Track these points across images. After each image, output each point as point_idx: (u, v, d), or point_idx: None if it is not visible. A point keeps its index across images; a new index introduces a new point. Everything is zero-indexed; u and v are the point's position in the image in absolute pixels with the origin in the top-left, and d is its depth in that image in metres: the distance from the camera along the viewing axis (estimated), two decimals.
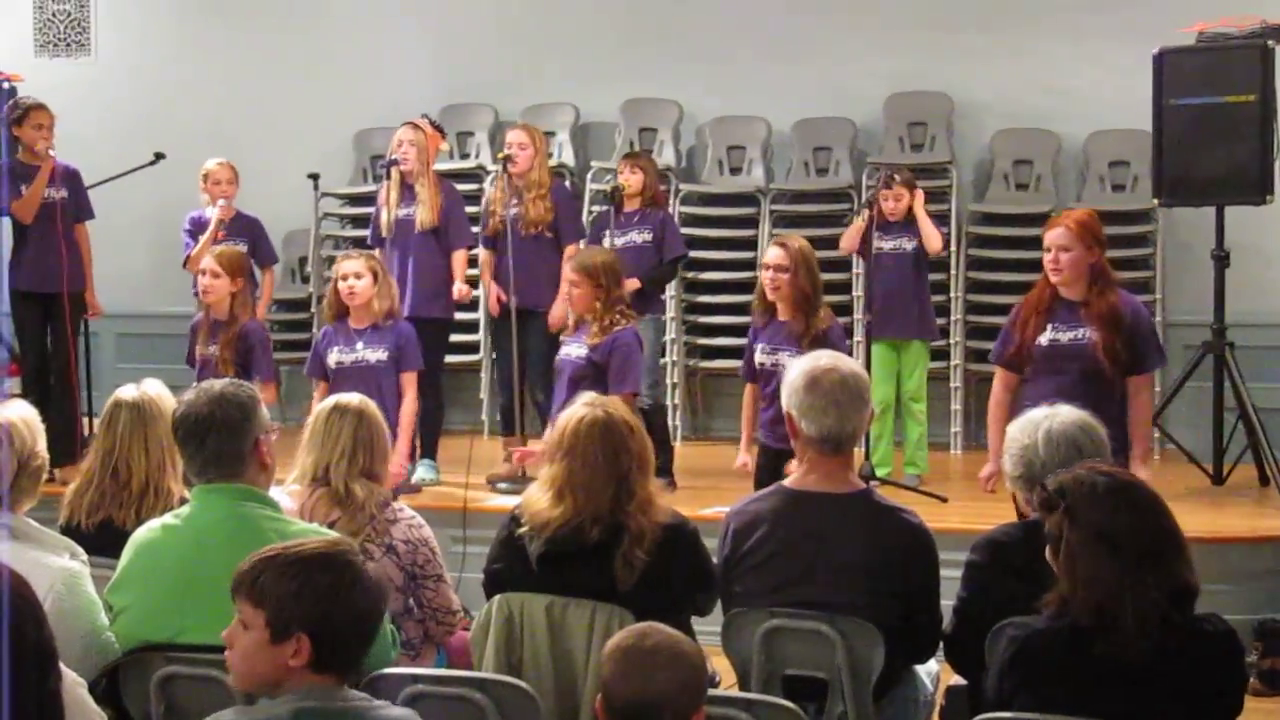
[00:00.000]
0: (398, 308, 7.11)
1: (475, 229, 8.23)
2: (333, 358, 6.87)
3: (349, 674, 3.04)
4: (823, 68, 9.63)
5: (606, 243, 7.82)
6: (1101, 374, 5.68)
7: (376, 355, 6.86)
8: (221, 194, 8.40)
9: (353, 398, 4.72)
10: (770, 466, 6.25)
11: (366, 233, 8.41)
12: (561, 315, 7.51)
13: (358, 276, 6.81)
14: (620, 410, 4.27)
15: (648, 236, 7.99)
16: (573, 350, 6.78)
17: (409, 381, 6.97)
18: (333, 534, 3.94)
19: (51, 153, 8.09)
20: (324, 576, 2.93)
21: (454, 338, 8.72)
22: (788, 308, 6.44)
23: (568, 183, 9.12)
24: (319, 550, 2.99)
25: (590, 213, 9.29)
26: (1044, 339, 5.79)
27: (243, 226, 8.53)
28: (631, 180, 7.97)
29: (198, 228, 8.40)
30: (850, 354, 5.76)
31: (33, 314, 8.29)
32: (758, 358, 6.53)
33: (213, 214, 8.35)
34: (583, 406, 4.25)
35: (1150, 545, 3.23)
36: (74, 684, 2.68)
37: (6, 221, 8.29)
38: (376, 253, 7.54)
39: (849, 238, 7.97)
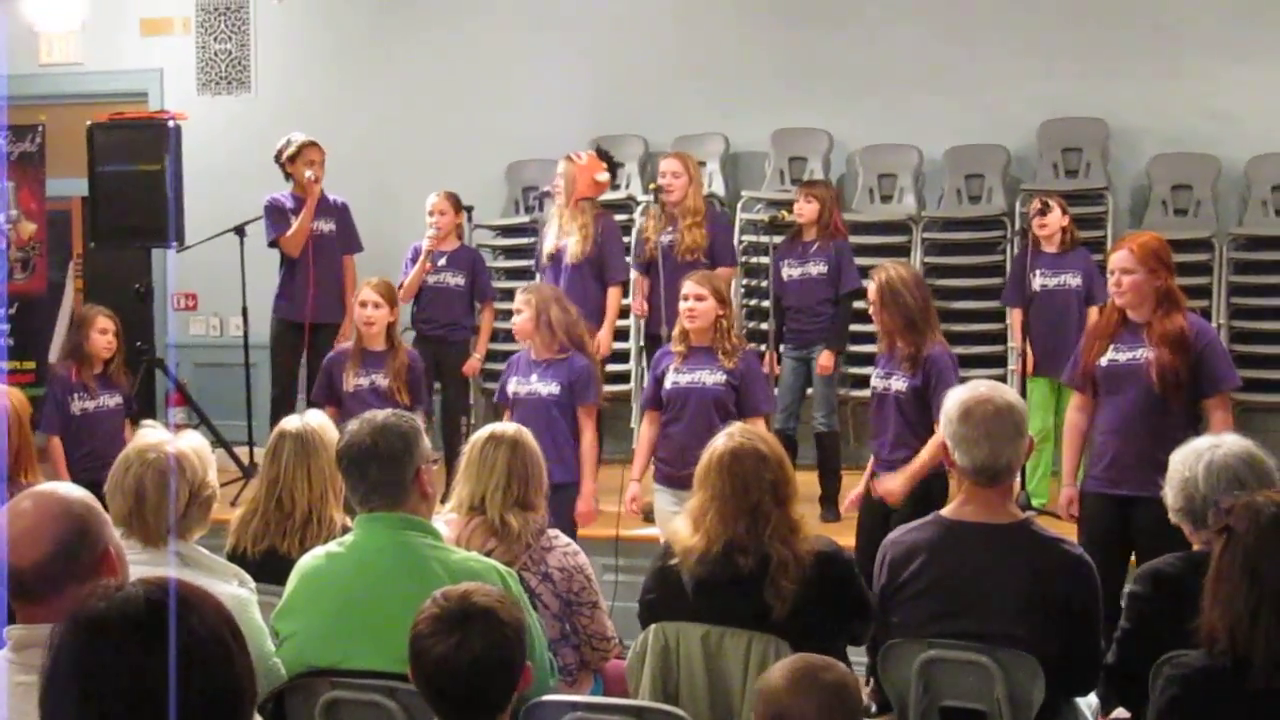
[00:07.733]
0: (580, 338, 6.84)
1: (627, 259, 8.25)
2: (511, 387, 6.80)
3: None
4: (975, 94, 9.57)
5: (784, 274, 7.77)
6: (1163, 396, 5.54)
7: (548, 388, 6.68)
8: (433, 225, 8.32)
9: (508, 427, 4.76)
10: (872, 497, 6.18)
11: (519, 264, 8.47)
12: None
13: (517, 312, 6.78)
14: (753, 440, 4.26)
15: (824, 269, 7.85)
16: (703, 377, 6.43)
17: (586, 415, 6.77)
18: (490, 561, 4.00)
19: (317, 184, 8.43)
20: None
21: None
22: (886, 334, 6.23)
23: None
24: None
25: (741, 242, 9.29)
26: (1104, 360, 5.70)
27: (462, 258, 8.48)
28: (805, 210, 7.88)
29: (416, 258, 8.41)
30: (957, 382, 5.64)
31: (291, 342, 8.55)
32: (871, 382, 6.36)
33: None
34: (723, 436, 4.29)
35: None
36: None
37: (275, 253, 8.60)
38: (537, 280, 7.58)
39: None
